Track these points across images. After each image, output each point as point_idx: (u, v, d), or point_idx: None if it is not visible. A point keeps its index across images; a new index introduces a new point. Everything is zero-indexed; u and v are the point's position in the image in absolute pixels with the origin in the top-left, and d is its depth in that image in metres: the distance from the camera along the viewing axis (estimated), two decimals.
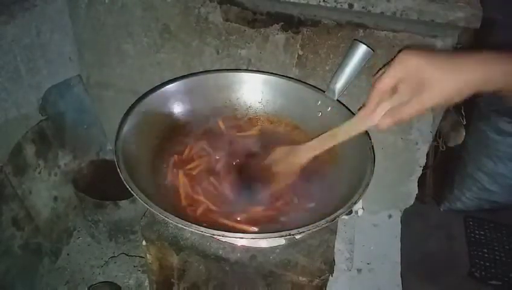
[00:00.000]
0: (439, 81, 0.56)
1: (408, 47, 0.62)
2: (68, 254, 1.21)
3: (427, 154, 1.09)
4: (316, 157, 0.78)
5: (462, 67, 0.56)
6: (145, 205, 0.63)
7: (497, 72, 0.54)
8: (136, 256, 1.21)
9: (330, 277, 0.72)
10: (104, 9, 1.06)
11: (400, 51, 0.61)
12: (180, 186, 0.77)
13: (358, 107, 0.69)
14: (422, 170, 1.12)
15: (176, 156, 0.82)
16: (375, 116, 0.65)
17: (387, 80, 0.61)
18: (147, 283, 1.14)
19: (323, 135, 0.75)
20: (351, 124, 0.70)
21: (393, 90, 0.62)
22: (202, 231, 0.59)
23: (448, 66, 0.56)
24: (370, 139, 0.77)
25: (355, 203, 0.65)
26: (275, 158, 0.81)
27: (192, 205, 0.74)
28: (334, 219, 0.62)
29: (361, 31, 0.93)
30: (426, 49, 0.61)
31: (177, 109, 0.88)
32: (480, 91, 0.56)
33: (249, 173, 0.81)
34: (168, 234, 0.74)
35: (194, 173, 0.80)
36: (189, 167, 0.81)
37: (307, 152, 0.77)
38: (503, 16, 1.26)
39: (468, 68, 0.55)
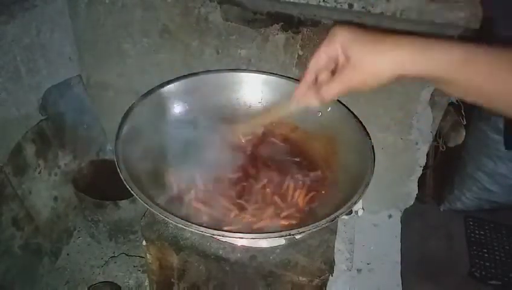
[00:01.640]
0: (359, 59, 0.53)
1: (341, 22, 0.59)
2: (68, 254, 1.21)
3: (427, 154, 1.09)
4: (316, 158, 0.78)
5: (383, 47, 0.52)
6: (145, 205, 0.63)
7: (418, 58, 0.50)
8: (136, 256, 1.21)
9: (330, 277, 0.72)
10: (104, 10, 1.06)
11: (333, 26, 0.58)
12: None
13: None
14: (423, 170, 1.12)
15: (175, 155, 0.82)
16: (307, 97, 0.64)
17: (317, 57, 0.60)
18: (146, 282, 1.14)
19: (262, 111, 0.81)
20: (285, 104, 0.71)
21: (330, 69, 0.60)
22: (202, 231, 0.59)
23: (370, 45, 0.53)
24: (370, 139, 0.77)
25: (355, 203, 0.65)
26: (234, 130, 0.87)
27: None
28: (334, 218, 0.62)
29: None
30: (357, 26, 0.56)
31: (177, 109, 0.88)
32: (404, 76, 0.52)
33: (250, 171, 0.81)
34: (168, 234, 0.74)
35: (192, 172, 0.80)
36: (187, 166, 0.81)
37: (250, 124, 0.85)
38: (503, 16, 1.26)
39: (389, 49, 0.51)
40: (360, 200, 0.66)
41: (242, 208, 0.74)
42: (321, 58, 0.59)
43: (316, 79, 0.62)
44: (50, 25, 1.03)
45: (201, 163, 0.83)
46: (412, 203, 1.19)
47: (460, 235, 1.64)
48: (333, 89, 0.58)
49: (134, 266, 1.19)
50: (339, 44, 0.56)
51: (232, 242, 0.72)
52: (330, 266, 0.71)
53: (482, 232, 1.64)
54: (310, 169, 0.83)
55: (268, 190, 0.78)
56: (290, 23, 0.97)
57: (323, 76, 0.61)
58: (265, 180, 0.79)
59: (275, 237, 0.62)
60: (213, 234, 0.60)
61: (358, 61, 0.54)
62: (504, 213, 1.63)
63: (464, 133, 1.09)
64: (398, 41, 0.52)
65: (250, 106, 0.93)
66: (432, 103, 0.99)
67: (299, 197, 0.77)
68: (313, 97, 0.62)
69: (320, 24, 0.95)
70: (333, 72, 0.59)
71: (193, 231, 0.60)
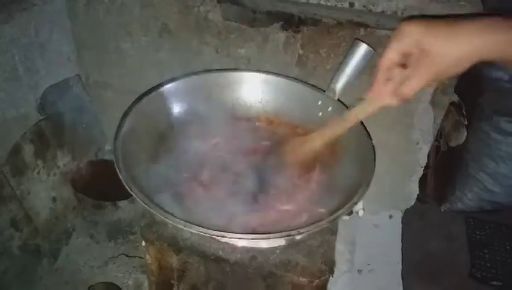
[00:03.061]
0: (438, 50, 0.54)
1: (409, 18, 0.59)
2: (67, 255, 1.21)
3: (428, 155, 1.09)
4: (316, 158, 0.77)
5: (461, 35, 0.52)
6: (144, 205, 0.62)
7: (497, 40, 0.51)
8: (135, 257, 1.20)
9: (330, 277, 0.72)
10: (103, 9, 1.06)
11: (400, 22, 0.58)
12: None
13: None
14: (424, 170, 1.11)
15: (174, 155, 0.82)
16: (383, 97, 0.62)
17: (389, 55, 0.59)
18: (146, 283, 1.13)
19: (333, 121, 0.73)
20: (360, 107, 0.68)
21: (401, 65, 0.59)
22: (202, 232, 0.59)
23: (447, 35, 0.53)
24: (371, 139, 0.77)
25: (355, 203, 0.65)
26: (288, 149, 0.80)
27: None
28: (335, 219, 0.62)
29: (362, 30, 0.93)
30: (426, 18, 0.57)
31: (176, 108, 0.88)
32: (481, 60, 0.53)
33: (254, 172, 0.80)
34: (167, 234, 0.74)
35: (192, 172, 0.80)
36: (187, 166, 0.81)
37: (319, 139, 0.75)
38: (503, 16, 1.25)
39: (467, 36, 0.52)
40: (361, 201, 0.66)
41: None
42: (393, 55, 0.58)
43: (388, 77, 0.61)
44: (49, 25, 1.03)
45: (201, 163, 0.83)
46: (413, 203, 1.19)
47: (461, 235, 1.63)
48: (414, 84, 0.57)
49: (133, 267, 1.18)
50: (411, 39, 0.55)
51: (232, 243, 0.71)
52: (330, 266, 0.71)
53: (483, 233, 1.63)
54: (310, 169, 0.82)
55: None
56: (290, 22, 0.96)
57: (396, 73, 0.60)
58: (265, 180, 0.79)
59: (275, 237, 0.61)
60: (213, 235, 0.60)
61: (436, 52, 0.53)
62: (505, 214, 1.63)
63: (466, 133, 1.08)
64: (472, 26, 0.52)
65: (250, 106, 0.93)
66: (433, 103, 0.99)
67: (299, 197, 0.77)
68: (390, 96, 0.61)
69: (321, 23, 0.95)
70: (403, 67, 0.59)
71: (193, 232, 0.60)
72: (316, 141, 0.76)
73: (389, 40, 0.58)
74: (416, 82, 0.57)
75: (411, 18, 0.57)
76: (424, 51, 0.54)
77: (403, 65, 0.59)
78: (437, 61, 0.54)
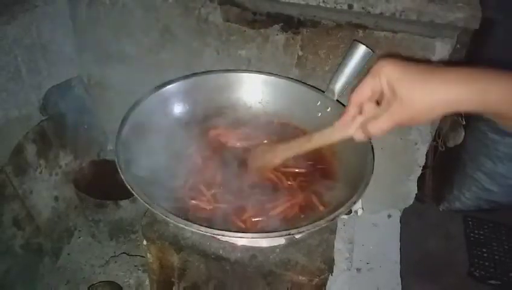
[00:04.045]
0: (409, 97, 0.52)
1: (389, 55, 0.57)
2: (69, 254, 1.21)
3: (427, 154, 1.09)
4: (316, 158, 0.78)
5: (435, 84, 0.50)
6: (146, 204, 0.63)
7: (473, 92, 0.48)
8: (136, 255, 1.21)
9: (330, 276, 0.72)
10: (105, 10, 1.06)
11: (378, 59, 0.57)
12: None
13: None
14: (422, 170, 1.12)
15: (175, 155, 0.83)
16: (350, 129, 0.62)
17: (362, 91, 0.58)
18: (147, 282, 1.14)
19: (300, 138, 0.74)
20: (327, 133, 0.68)
21: (374, 100, 0.59)
22: (203, 231, 0.60)
23: (421, 82, 0.51)
24: (370, 139, 0.77)
25: (354, 202, 0.65)
26: (254, 155, 0.81)
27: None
28: (334, 218, 0.63)
29: (361, 31, 0.93)
30: (404, 59, 0.55)
31: (178, 109, 0.88)
32: (456, 111, 0.51)
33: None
34: (168, 233, 0.74)
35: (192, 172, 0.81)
36: (188, 166, 0.82)
37: (283, 152, 0.76)
38: (503, 16, 1.26)
39: (442, 86, 0.50)
40: (360, 200, 0.67)
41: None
42: (365, 91, 0.58)
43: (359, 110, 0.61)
44: (51, 26, 1.03)
45: (201, 163, 0.83)
46: (412, 203, 1.20)
47: (459, 235, 1.64)
48: (381, 125, 0.56)
49: (134, 266, 1.19)
50: (384, 79, 0.54)
51: (232, 242, 0.72)
52: (330, 265, 0.72)
53: (481, 232, 1.64)
54: (310, 169, 0.83)
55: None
56: (290, 24, 0.97)
57: (368, 108, 0.59)
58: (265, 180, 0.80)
59: (274, 236, 0.62)
60: (213, 234, 0.60)
61: (408, 98, 0.52)
62: (503, 213, 1.63)
63: (463, 133, 1.09)
64: (448, 76, 0.50)
65: (250, 106, 0.94)
66: None
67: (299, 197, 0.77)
68: (358, 131, 0.61)
69: (320, 25, 0.95)
70: (377, 103, 0.58)
71: (193, 231, 0.61)
72: (282, 153, 0.76)
73: (366, 76, 0.58)
74: (384, 123, 0.56)
75: (390, 56, 0.56)
76: (396, 95, 0.53)
77: (377, 102, 0.59)
78: (407, 108, 0.52)
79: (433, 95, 0.50)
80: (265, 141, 0.87)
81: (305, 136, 0.74)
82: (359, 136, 0.61)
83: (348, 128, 0.63)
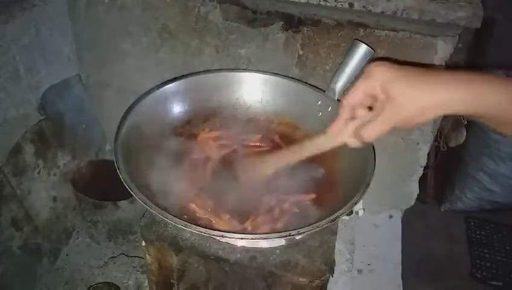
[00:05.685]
0: (402, 99, 0.51)
1: (380, 58, 0.56)
2: (67, 255, 1.21)
3: (428, 155, 1.09)
4: (316, 158, 0.77)
5: (428, 86, 0.50)
6: (145, 205, 0.62)
7: (465, 95, 0.48)
8: (135, 257, 1.21)
9: (330, 277, 0.72)
10: (104, 9, 1.06)
11: (370, 62, 0.56)
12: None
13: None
14: (423, 170, 1.11)
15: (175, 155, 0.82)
16: (342, 136, 0.61)
17: (354, 94, 0.57)
18: (146, 283, 1.13)
19: (291, 148, 0.73)
20: (319, 141, 0.67)
21: (366, 106, 0.58)
22: (202, 232, 0.59)
23: (414, 84, 0.51)
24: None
25: (355, 203, 0.64)
26: (244, 167, 0.79)
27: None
28: (335, 219, 0.62)
29: (362, 30, 0.93)
30: (394, 64, 0.54)
31: (177, 108, 0.88)
32: (448, 113, 0.51)
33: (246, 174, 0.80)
34: (167, 234, 0.74)
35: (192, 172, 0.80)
36: (188, 166, 0.81)
37: (274, 163, 0.75)
38: (503, 16, 1.25)
39: (434, 88, 0.50)
40: (361, 201, 0.66)
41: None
42: (358, 95, 0.57)
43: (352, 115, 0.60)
44: (49, 25, 1.03)
45: (201, 163, 0.83)
46: (413, 203, 1.19)
47: (461, 235, 1.64)
48: (375, 130, 0.55)
49: (133, 267, 1.18)
50: (378, 82, 0.54)
51: (232, 243, 0.71)
52: (330, 266, 0.71)
53: (483, 233, 1.63)
54: (310, 169, 0.82)
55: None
56: (290, 23, 0.97)
57: (361, 112, 0.59)
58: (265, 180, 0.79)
59: (275, 237, 0.61)
60: (213, 235, 0.60)
61: (402, 101, 0.51)
62: (505, 213, 1.63)
63: (465, 133, 1.08)
64: (440, 78, 0.50)
65: (250, 106, 0.93)
66: None
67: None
68: (351, 137, 0.60)
69: (321, 23, 0.95)
70: (370, 108, 0.57)
71: (193, 232, 0.60)
72: (273, 163, 0.75)
73: (358, 80, 0.57)
74: (377, 127, 0.55)
75: (384, 60, 0.55)
76: (389, 97, 0.53)
77: (370, 107, 0.58)
78: (400, 110, 0.52)
79: (425, 95, 0.50)
80: (260, 146, 0.86)
81: (295, 145, 0.72)
82: (353, 142, 0.60)
83: (341, 134, 0.62)
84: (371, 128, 0.56)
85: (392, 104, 0.52)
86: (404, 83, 0.52)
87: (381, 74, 0.54)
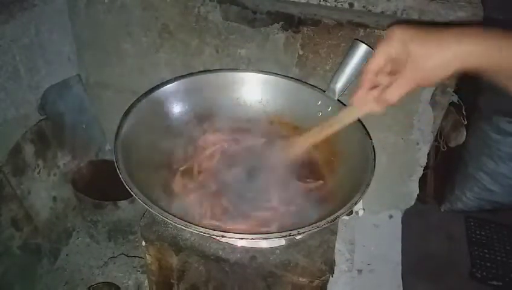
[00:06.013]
0: (423, 54, 0.53)
1: (397, 22, 0.58)
2: (67, 255, 1.21)
3: (428, 155, 1.09)
4: (316, 158, 0.77)
5: (444, 41, 0.52)
6: (145, 205, 0.62)
7: (476, 49, 0.50)
8: (135, 257, 1.20)
9: (330, 277, 0.71)
10: (104, 9, 1.06)
11: (389, 26, 0.57)
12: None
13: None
14: (423, 170, 1.11)
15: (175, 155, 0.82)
16: (367, 103, 0.62)
17: (376, 59, 0.58)
18: (146, 283, 1.13)
19: (320, 125, 0.74)
20: (345, 112, 0.68)
21: (388, 72, 0.59)
22: (202, 232, 0.59)
23: (432, 41, 0.52)
24: (371, 139, 0.77)
25: (355, 203, 0.64)
26: (273, 151, 0.80)
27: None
28: (335, 219, 0.62)
29: (362, 30, 0.93)
30: (414, 24, 0.56)
31: (177, 109, 0.88)
32: (464, 67, 0.52)
33: (251, 172, 0.80)
34: (167, 234, 0.74)
35: (192, 172, 0.80)
36: (188, 166, 0.81)
37: (304, 142, 0.76)
38: (504, 16, 1.25)
39: (451, 42, 0.51)
40: (361, 201, 0.66)
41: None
42: (380, 58, 0.57)
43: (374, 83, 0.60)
44: (49, 25, 1.03)
45: (201, 163, 0.83)
46: (413, 203, 1.19)
47: (461, 235, 1.64)
48: (398, 90, 0.56)
49: (133, 267, 1.18)
50: (398, 42, 0.55)
51: (232, 243, 0.71)
52: (330, 266, 0.71)
53: (483, 233, 1.63)
54: (311, 169, 0.82)
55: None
56: (290, 23, 0.96)
57: (382, 79, 0.59)
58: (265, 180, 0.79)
59: (275, 237, 0.61)
60: (213, 235, 0.60)
61: (420, 57, 0.53)
62: (505, 213, 1.63)
63: (465, 133, 1.08)
64: (461, 33, 0.51)
65: (250, 106, 0.93)
66: (433, 103, 0.99)
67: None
68: (375, 103, 0.60)
69: (321, 23, 0.95)
70: (391, 74, 0.58)
71: (193, 232, 0.60)
72: (303, 143, 0.76)
73: (378, 44, 0.58)
74: (399, 88, 0.56)
75: (399, 23, 0.56)
76: (410, 55, 0.54)
77: (390, 73, 0.58)
78: (421, 66, 0.53)
79: (446, 49, 0.51)
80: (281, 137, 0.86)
81: (322, 124, 0.73)
82: (376, 108, 0.61)
83: (365, 103, 0.62)
84: (395, 90, 0.56)
85: (413, 62, 0.53)
86: (425, 38, 0.53)
87: (401, 33, 0.55)
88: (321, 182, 0.79)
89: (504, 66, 0.50)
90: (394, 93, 0.57)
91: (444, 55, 0.51)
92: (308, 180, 0.80)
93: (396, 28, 0.55)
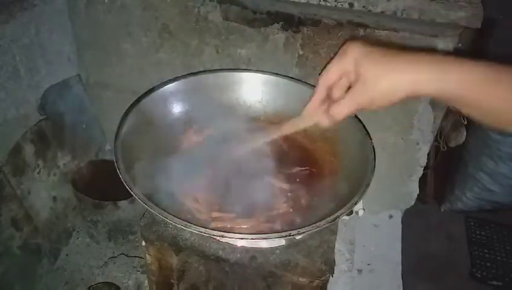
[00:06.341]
0: (371, 76, 0.51)
1: (354, 37, 0.57)
2: (67, 255, 1.21)
3: (428, 155, 1.09)
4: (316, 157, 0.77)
5: (397, 66, 0.50)
6: (145, 205, 0.62)
7: (432, 77, 0.48)
8: (135, 257, 1.20)
9: (330, 277, 0.71)
10: (104, 9, 1.06)
11: (346, 41, 0.56)
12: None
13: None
14: (423, 170, 1.11)
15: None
16: (316, 115, 0.61)
17: (328, 73, 0.57)
18: (146, 283, 1.13)
19: (271, 127, 0.75)
20: (296, 120, 0.68)
21: (343, 85, 0.58)
22: (202, 232, 0.59)
23: (385, 63, 0.51)
24: (371, 139, 0.77)
25: (355, 203, 0.64)
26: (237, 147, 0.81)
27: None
28: (335, 219, 0.62)
29: (362, 30, 0.93)
30: (372, 41, 0.54)
31: (177, 109, 0.88)
32: (416, 94, 0.50)
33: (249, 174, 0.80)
34: (167, 234, 0.74)
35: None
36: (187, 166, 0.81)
37: (258, 138, 0.77)
38: (504, 16, 1.25)
39: (403, 67, 0.49)
40: (361, 201, 0.66)
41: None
42: (332, 73, 0.57)
43: (329, 96, 0.60)
44: (49, 25, 1.03)
45: (200, 163, 0.82)
46: (413, 203, 1.19)
47: (461, 235, 1.64)
48: (343, 108, 0.55)
49: (133, 267, 1.18)
50: (351, 59, 0.53)
51: (232, 243, 0.71)
52: (330, 266, 0.71)
53: (483, 233, 1.63)
54: (311, 169, 0.82)
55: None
56: (290, 23, 0.96)
57: (336, 93, 0.58)
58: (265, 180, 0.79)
59: (275, 237, 0.61)
60: (213, 235, 0.60)
61: (370, 78, 0.51)
62: (505, 213, 1.63)
63: (465, 133, 1.08)
64: (413, 59, 0.50)
65: (250, 106, 0.93)
66: (433, 103, 0.99)
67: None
68: (323, 116, 0.60)
69: (321, 23, 0.95)
70: (348, 89, 0.57)
71: (193, 232, 0.60)
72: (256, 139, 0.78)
73: (332, 58, 0.57)
74: (344, 106, 0.55)
75: (356, 39, 0.56)
76: (360, 75, 0.52)
77: (349, 87, 0.57)
78: (370, 86, 0.51)
79: (395, 75, 0.50)
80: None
81: (276, 125, 0.74)
82: (324, 122, 0.60)
83: (315, 114, 0.62)
84: (341, 107, 0.55)
85: (362, 82, 0.52)
86: (375, 60, 0.52)
87: (354, 51, 0.54)
88: (306, 168, 0.79)
89: (468, 100, 0.47)
90: (340, 111, 0.56)
91: (396, 78, 0.50)
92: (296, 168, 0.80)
93: (352, 44, 0.54)
